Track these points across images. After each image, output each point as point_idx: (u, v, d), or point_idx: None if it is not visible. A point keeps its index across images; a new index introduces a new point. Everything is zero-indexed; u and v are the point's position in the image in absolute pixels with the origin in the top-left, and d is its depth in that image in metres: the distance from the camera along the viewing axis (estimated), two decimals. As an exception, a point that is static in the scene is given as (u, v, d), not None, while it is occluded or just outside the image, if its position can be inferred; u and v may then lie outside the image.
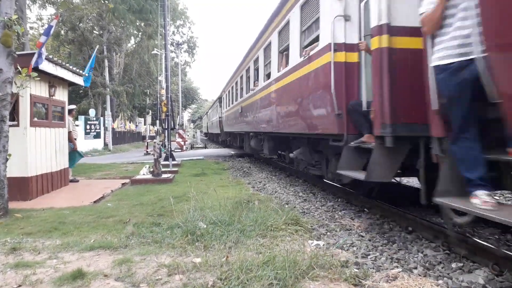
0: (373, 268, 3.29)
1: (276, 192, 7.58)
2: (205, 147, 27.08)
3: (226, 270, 3.05)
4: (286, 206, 5.91)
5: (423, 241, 4.09)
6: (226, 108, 19.41)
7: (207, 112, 44.08)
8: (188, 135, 33.98)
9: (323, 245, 3.92)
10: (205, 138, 46.29)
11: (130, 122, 41.32)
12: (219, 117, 23.49)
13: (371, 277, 3.01)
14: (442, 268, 3.35)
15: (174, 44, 42.46)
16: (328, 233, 4.54)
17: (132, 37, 34.75)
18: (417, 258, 3.59)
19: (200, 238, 3.96)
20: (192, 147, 25.85)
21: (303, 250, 3.52)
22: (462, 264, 3.38)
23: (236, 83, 15.36)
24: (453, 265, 3.38)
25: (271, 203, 5.60)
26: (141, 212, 5.56)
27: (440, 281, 2.98)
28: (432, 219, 4.83)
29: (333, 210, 5.82)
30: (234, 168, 12.43)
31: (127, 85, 32.03)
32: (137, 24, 29.33)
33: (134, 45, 36.31)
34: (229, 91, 18.13)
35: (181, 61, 46.64)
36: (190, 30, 48.98)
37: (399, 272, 3.13)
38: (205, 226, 4.27)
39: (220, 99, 23.59)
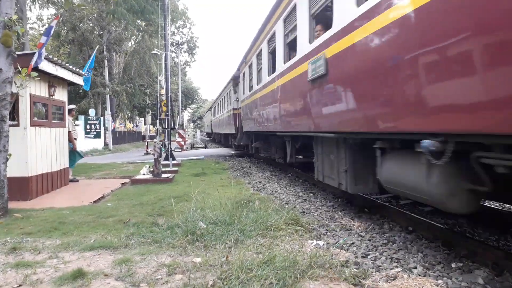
0: (373, 268, 3.29)
1: (276, 192, 7.58)
2: (205, 147, 27.06)
3: (226, 269, 3.06)
4: (286, 206, 5.91)
5: (423, 241, 4.10)
6: (248, 91, 11.96)
7: (210, 107, 36.41)
8: (188, 135, 33.88)
9: (323, 245, 3.93)
10: (207, 139, 44.69)
11: (130, 122, 41.32)
12: (233, 109, 16.19)
13: (370, 276, 3.02)
14: (441, 268, 3.35)
15: (174, 44, 42.47)
16: (328, 233, 4.54)
17: (132, 37, 34.75)
18: (417, 258, 3.60)
19: (200, 238, 3.97)
20: (192, 147, 25.84)
21: (303, 250, 3.53)
22: (462, 264, 3.38)
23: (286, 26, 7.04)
24: (453, 265, 3.38)
25: (271, 203, 5.60)
26: (141, 212, 5.56)
27: (440, 281, 2.99)
28: (432, 219, 4.84)
29: (333, 210, 5.83)
30: (234, 168, 12.43)
31: (126, 85, 32.04)
32: (138, 23, 29.32)
33: (134, 45, 36.30)
34: (257, 57, 10.16)
35: (181, 61, 46.67)
36: (190, 31, 49.14)
37: (399, 272, 3.13)
38: (205, 226, 4.27)
39: (235, 80, 16.06)
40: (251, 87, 11.56)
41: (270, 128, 8.95)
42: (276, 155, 10.62)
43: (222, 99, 22.10)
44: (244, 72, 13.30)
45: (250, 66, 11.62)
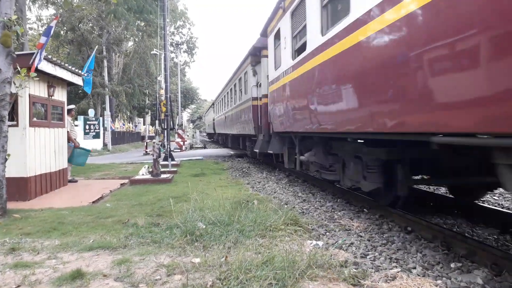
0: (372, 268, 3.29)
1: (275, 192, 7.58)
2: (205, 147, 27.06)
3: (225, 270, 3.06)
4: (285, 206, 5.91)
5: (422, 241, 4.09)
6: (291, 60, 7.00)
7: (213, 104, 30.22)
8: (187, 135, 33.85)
9: (322, 245, 3.92)
10: (208, 140, 43.07)
11: (129, 123, 41.30)
12: (252, 100, 11.11)
13: (370, 277, 3.02)
14: (441, 268, 3.35)
15: (173, 44, 42.47)
16: (327, 233, 4.54)
17: (132, 37, 34.76)
18: (416, 258, 3.59)
19: (199, 238, 3.96)
20: (191, 147, 25.84)
21: (302, 250, 3.52)
22: (461, 264, 3.38)
23: None
24: (452, 265, 3.38)
25: (270, 203, 5.61)
26: (140, 212, 5.56)
27: (439, 281, 2.98)
28: (431, 219, 4.84)
29: (332, 210, 5.82)
30: (233, 168, 12.43)
31: (126, 85, 32.05)
32: (137, 23, 29.36)
33: (134, 45, 36.30)
34: None
35: (180, 61, 46.68)
36: (190, 31, 49.24)
37: (398, 272, 3.13)
38: (204, 226, 4.27)
39: (255, 55, 11.17)
40: (297, 52, 6.70)
41: (382, 124, 3.82)
42: (364, 183, 4.95)
43: (231, 89, 16.37)
44: (278, 29, 7.87)
45: (299, 9, 6.50)
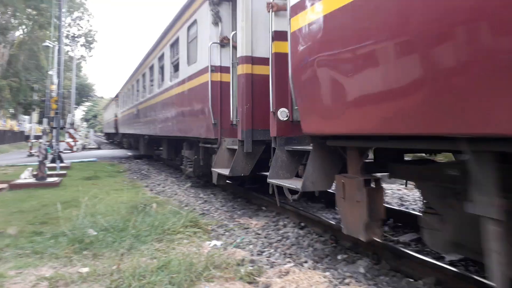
0: (268, 265, 3.40)
1: (176, 194, 7.40)
2: (99, 148, 25.36)
3: (116, 278, 2.88)
4: (186, 208, 5.81)
5: (313, 236, 4.36)
6: None
7: (117, 95, 23.21)
8: (80, 135, 31.26)
9: (220, 245, 3.94)
10: (106, 141, 38.78)
11: (12, 120, 36.82)
12: (211, 70, 5.91)
13: (265, 273, 3.12)
14: (329, 260, 3.61)
15: (69, 37, 39.13)
16: (227, 233, 4.58)
17: (21, 27, 30.99)
18: (307, 252, 3.82)
19: (89, 246, 3.68)
20: (84, 148, 23.98)
21: (200, 251, 3.50)
22: (347, 256, 3.68)
23: None
24: (339, 257, 3.66)
25: (169, 206, 5.45)
26: (20, 220, 4.96)
27: (327, 273, 3.20)
28: (322, 215, 5.19)
29: (233, 210, 5.90)
30: (130, 171, 11.82)
31: (11, 79, 28.44)
32: (28, 12, 26.27)
33: (23, 35, 32.38)
34: None
35: (76, 55, 43.09)
36: (88, 23, 46.04)
37: (291, 266, 3.29)
38: (95, 233, 3.98)
39: None
40: None
41: None
42: None
43: (154, 65, 11.18)
44: None
45: None
